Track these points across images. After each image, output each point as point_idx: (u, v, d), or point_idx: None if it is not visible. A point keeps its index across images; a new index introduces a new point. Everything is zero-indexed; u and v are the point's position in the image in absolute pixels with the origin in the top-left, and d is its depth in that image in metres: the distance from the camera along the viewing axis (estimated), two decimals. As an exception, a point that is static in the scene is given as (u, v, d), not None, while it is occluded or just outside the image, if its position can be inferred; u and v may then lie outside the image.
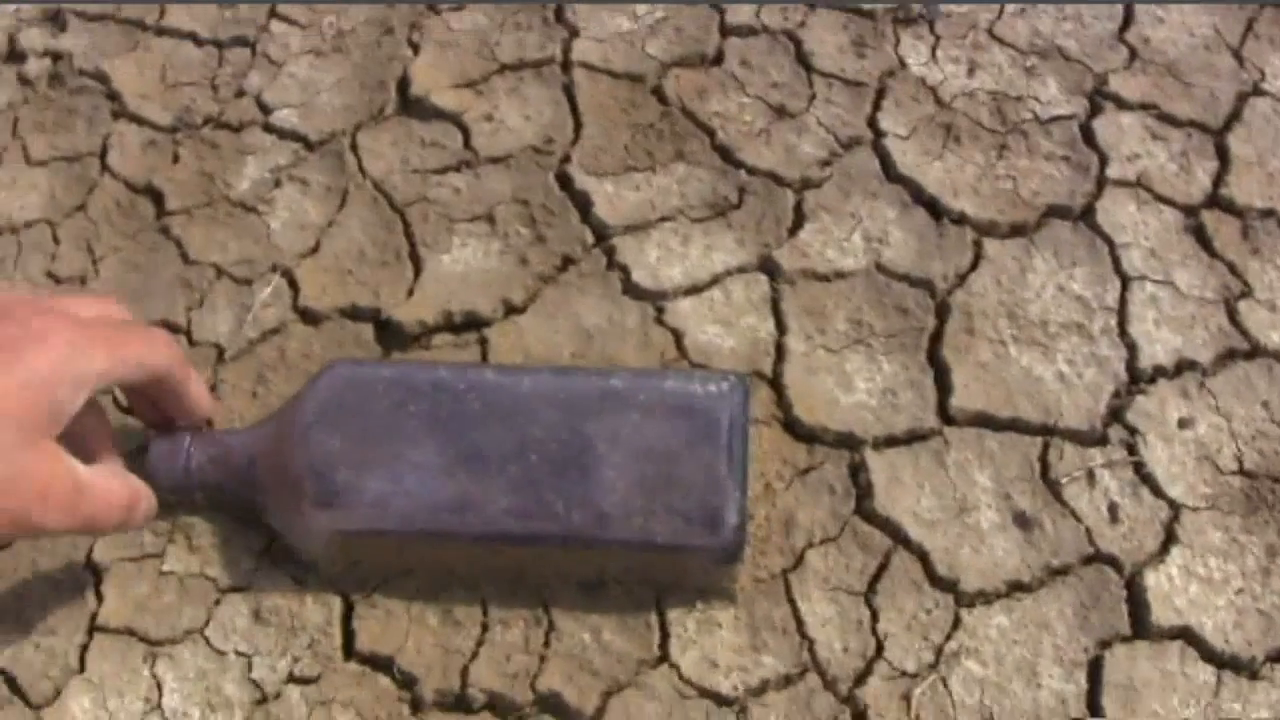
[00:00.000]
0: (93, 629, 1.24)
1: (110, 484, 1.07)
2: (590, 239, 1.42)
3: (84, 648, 1.23)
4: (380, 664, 1.22)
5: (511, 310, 1.36)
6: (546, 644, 1.20)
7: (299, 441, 1.06)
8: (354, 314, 1.38)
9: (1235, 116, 1.54)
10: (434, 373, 1.16)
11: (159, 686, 1.20)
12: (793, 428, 1.31)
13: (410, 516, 1.13)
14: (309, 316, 1.36)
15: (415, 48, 1.60)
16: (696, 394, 1.17)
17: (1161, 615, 1.23)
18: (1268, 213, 1.45)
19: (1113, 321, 1.38)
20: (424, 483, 1.11)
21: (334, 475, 1.05)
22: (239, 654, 1.22)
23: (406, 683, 1.21)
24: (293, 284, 1.39)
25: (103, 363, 1.00)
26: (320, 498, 1.06)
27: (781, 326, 1.36)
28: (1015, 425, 1.33)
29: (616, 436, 1.13)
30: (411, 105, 1.54)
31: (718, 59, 1.59)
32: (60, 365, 0.97)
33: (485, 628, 1.21)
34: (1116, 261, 1.41)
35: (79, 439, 1.05)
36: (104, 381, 1.02)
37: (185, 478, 1.13)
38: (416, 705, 1.18)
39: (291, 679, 1.21)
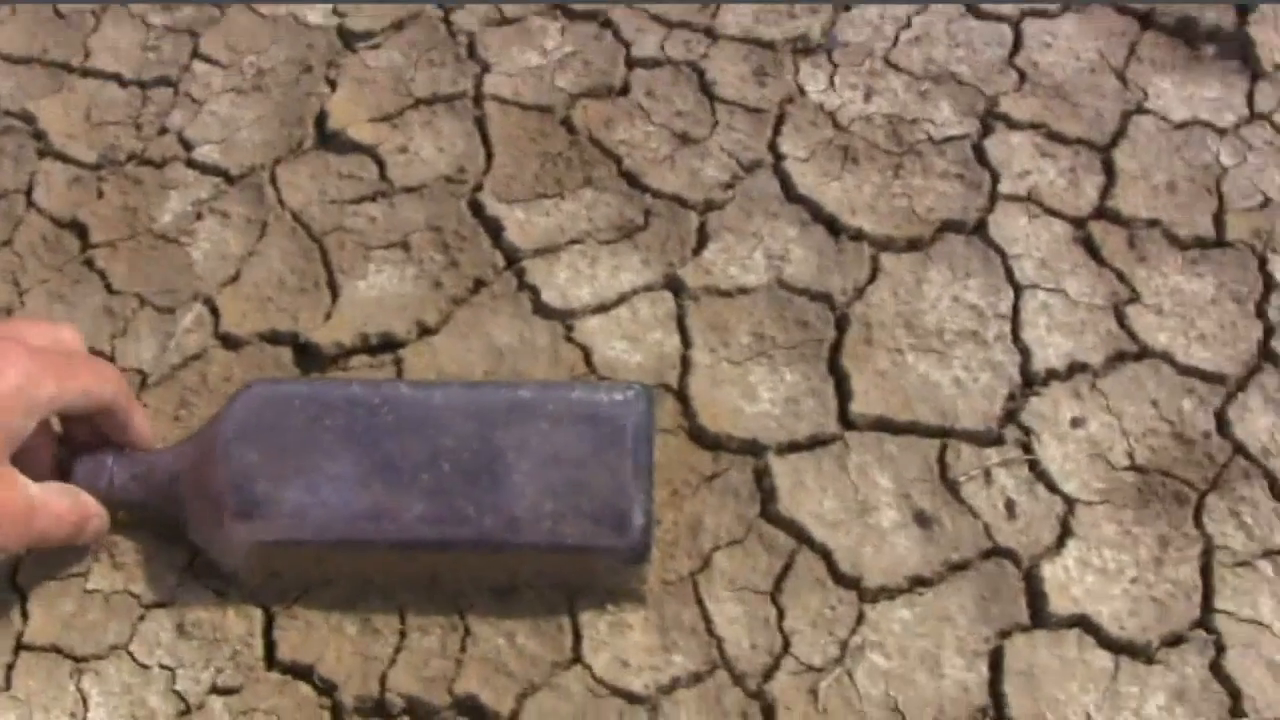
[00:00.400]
0: (19, 647, 1.23)
1: (61, 501, 1.12)
2: (501, 262, 1.43)
3: (10, 666, 1.22)
4: (301, 673, 1.21)
5: (425, 331, 1.37)
6: (463, 649, 1.20)
7: (219, 457, 1.07)
8: (273, 338, 1.37)
9: (1120, 134, 1.55)
10: (348, 389, 1.16)
11: (84, 701, 1.19)
12: (699, 437, 1.31)
13: (327, 526, 1.12)
14: (230, 342, 1.36)
15: (333, 84, 1.61)
16: (602, 403, 1.18)
17: (1059, 605, 1.24)
18: (1153, 223, 1.46)
19: (1006, 328, 1.38)
20: (340, 493, 1.11)
21: (253, 488, 1.05)
22: (163, 667, 1.21)
23: (327, 690, 1.20)
24: (214, 311, 1.39)
25: (52, 390, 1.04)
26: (240, 510, 1.07)
27: (687, 341, 1.36)
28: (914, 429, 1.33)
29: (525, 445, 1.13)
30: (329, 139, 1.55)
31: (624, 90, 1.61)
32: (13, 394, 1.00)
33: (403, 634, 1.21)
34: (1009, 272, 1.42)
35: (27, 456, 1.07)
36: (53, 408, 1.06)
37: (109, 495, 1.18)
38: (337, 712, 1.18)
39: (214, 690, 1.20)
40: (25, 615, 1.25)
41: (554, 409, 1.15)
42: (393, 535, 1.07)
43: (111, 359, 1.36)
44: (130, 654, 1.23)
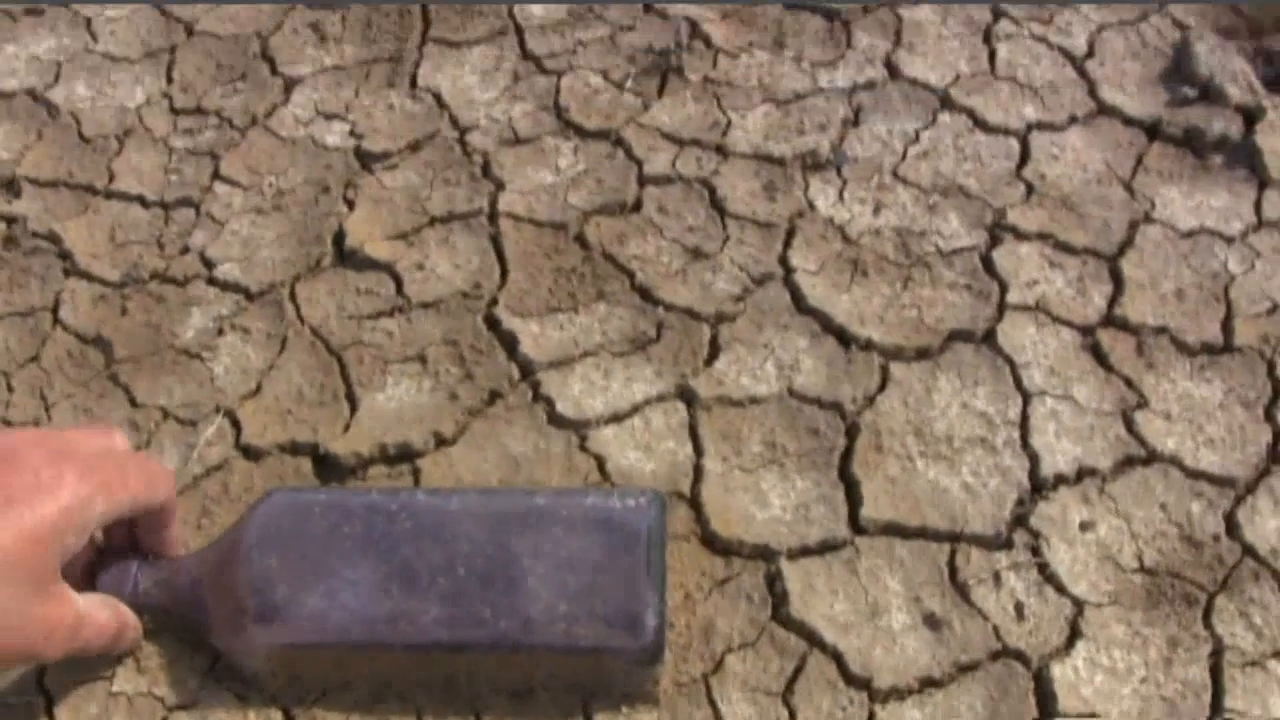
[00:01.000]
0: (43, 752, 1.20)
1: (103, 614, 1.14)
2: (517, 375, 1.46)
3: (36, 770, 1.19)
4: (319, 776, 1.19)
5: (442, 442, 1.39)
6: (477, 748, 1.20)
7: (241, 561, 1.09)
8: (293, 449, 1.39)
9: (1128, 243, 1.59)
10: (367, 497, 1.19)
11: (109, 805, 1.18)
12: (711, 542, 1.34)
13: (346, 629, 1.13)
14: (250, 453, 1.39)
15: (350, 204, 1.65)
16: (615, 509, 1.20)
17: (1069, 704, 1.25)
18: (1160, 330, 1.49)
19: (1015, 434, 1.41)
20: (358, 598, 1.13)
21: (274, 593, 1.08)
22: (186, 770, 1.19)
23: (342, 803, 1.18)
24: (235, 423, 1.42)
25: (102, 507, 1.06)
26: (261, 614, 1.09)
27: (699, 449, 1.39)
28: (924, 533, 1.35)
29: (540, 550, 1.16)
30: (347, 257, 1.58)
31: (636, 206, 1.64)
32: (68, 515, 1.03)
33: (420, 739, 1.20)
34: (1018, 380, 1.45)
35: (70, 564, 1.09)
36: (103, 522, 1.08)
37: (133, 600, 1.19)
38: (355, 823, 1.17)
39: (235, 796, 1.18)
40: (51, 718, 1.26)
41: (568, 515, 1.10)
42: (410, 638, 1.08)
43: None
44: (154, 757, 1.20)
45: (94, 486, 1.03)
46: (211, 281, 1.56)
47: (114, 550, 1.21)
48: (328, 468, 1.38)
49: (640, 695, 1.24)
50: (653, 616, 1.14)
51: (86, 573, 1.16)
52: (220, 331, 1.49)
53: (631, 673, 1.20)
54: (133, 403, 1.44)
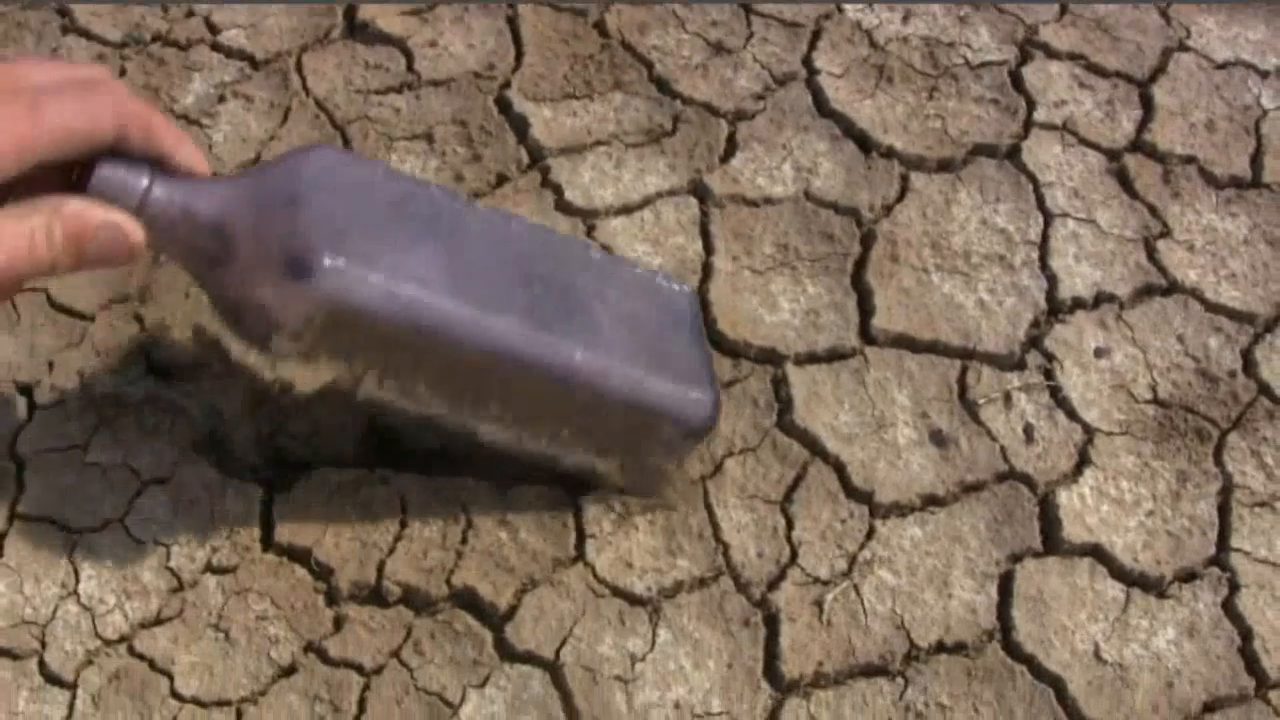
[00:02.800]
0: (13, 516, 1.20)
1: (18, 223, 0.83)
2: (526, 159, 1.38)
3: (3, 535, 1.19)
4: (298, 555, 1.19)
5: (445, 222, 1.30)
6: (464, 540, 1.16)
7: (298, 203, 0.85)
8: (290, 222, 1.28)
9: (1160, 69, 1.51)
10: (429, 188, 0.98)
11: (76, 573, 1.15)
12: (718, 343, 1.28)
13: (418, 307, 0.89)
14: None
15: (364, -24, 1.54)
16: (664, 288, 1.16)
17: (1073, 532, 1.21)
18: (1189, 159, 1.42)
19: (1034, 255, 1.34)
20: (431, 276, 0.90)
21: (342, 242, 0.85)
22: (158, 543, 1.17)
23: (323, 574, 1.16)
24: (230, 193, 1.31)
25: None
26: (322, 264, 0.84)
27: (709, 247, 1.32)
28: (935, 348, 1.30)
29: (605, 299, 1.06)
30: (358, 30, 1.50)
31: (659, -4, 1.54)
32: None
33: (403, 524, 1.17)
34: (1040, 199, 1.38)
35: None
36: (20, 169, 0.79)
37: (138, 211, 0.84)
38: (332, 597, 1.14)
39: (209, 569, 1.18)
40: (22, 485, 1.22)
41: (624, 276, 1.06)
42: (483, 340, 0.91)
43: None
44: (126, 528, 1.20)
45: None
46: (215, 47, 1.48)
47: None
48: (325, 242, 1.27)
49: (659, 480, 1.22)
50: (714, 391, 1.11)
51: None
52: (221, 98, 1.41)
53: (675, 445, 1.11)
54: (128, 165, 1.34)
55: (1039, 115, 1.47)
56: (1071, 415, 1.27)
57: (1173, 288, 1.35)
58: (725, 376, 1.25)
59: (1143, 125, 1.45)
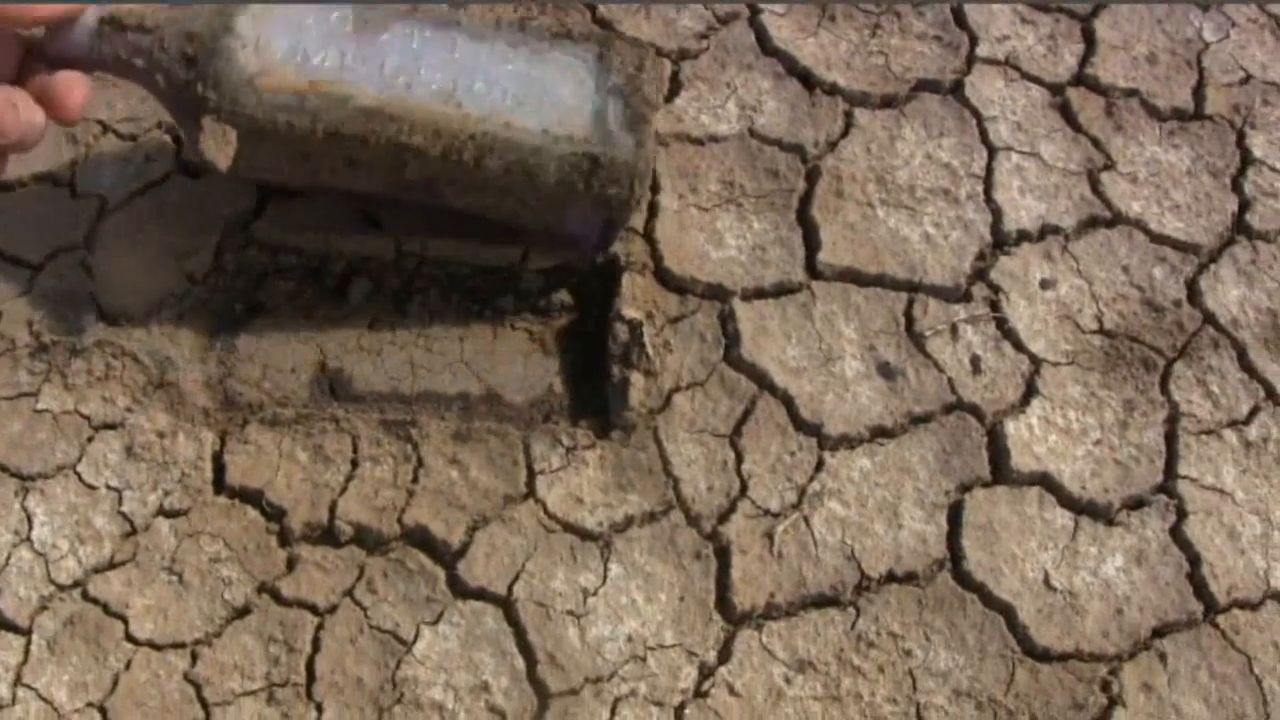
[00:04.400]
0: (-36, 464, 1.12)
1: None
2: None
3: (-46, 482, 1.12)
4: (249, 497, 1.17)
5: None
6: (414, 479, 1.15)
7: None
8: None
9: (1102, 4, 1.50)
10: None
11: (29, 520, 1.13)
12: (665, 279, 1.24)
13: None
14: (191, 170, 1.30)
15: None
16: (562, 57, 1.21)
17: (1021, 462, 1.20)
18: (1131, 92, 1.40)
19: (979, 188, 1.33)
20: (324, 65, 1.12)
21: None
22: (110, 488, 1.15)
23: (275, 515, 1.14)
24: (176, 140, 1.34)
25: None
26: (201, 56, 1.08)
27: (655, 185, 1.30)
28: (881, 281, 1.28)
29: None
30: None
31: (601, -60, 1.51)
32: None
33: (354, 464, 1.15)
34: (984, 133, 1.36)
35: None
36: None
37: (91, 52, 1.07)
38: (284, 537, 1.12)
39: (162, 512, 1.16)
40: None
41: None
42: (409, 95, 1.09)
43: (72, 185, 1.35)
44: (78, 474, 1.18)
45: None
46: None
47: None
48: (270, 187, 1.26)
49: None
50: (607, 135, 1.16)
51: None
52: (166, 45, 1.36)
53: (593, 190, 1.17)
54: (72, 113, 1.31)
55: (981, 51, 1.44)
56: (1018, 346, 1.26)
57: (1117, 219, 1.34)
58: (673, 313, 1.23)
59: (1085, 59, 1.43)
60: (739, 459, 1.17)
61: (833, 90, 1.36)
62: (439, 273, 1.24)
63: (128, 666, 1.07)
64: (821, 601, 1.12)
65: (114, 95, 1.34)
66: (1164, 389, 1.25)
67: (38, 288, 1.20)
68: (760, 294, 1.26)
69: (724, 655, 1.10)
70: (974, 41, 1.42)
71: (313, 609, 1.10)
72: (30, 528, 1.14)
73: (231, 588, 1.09)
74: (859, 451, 1.16)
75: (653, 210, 1.29)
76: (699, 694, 1.07)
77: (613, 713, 1.06)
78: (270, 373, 1.19)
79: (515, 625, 1.10)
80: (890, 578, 1.13)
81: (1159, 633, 1.13)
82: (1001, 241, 1.27)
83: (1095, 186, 1.31)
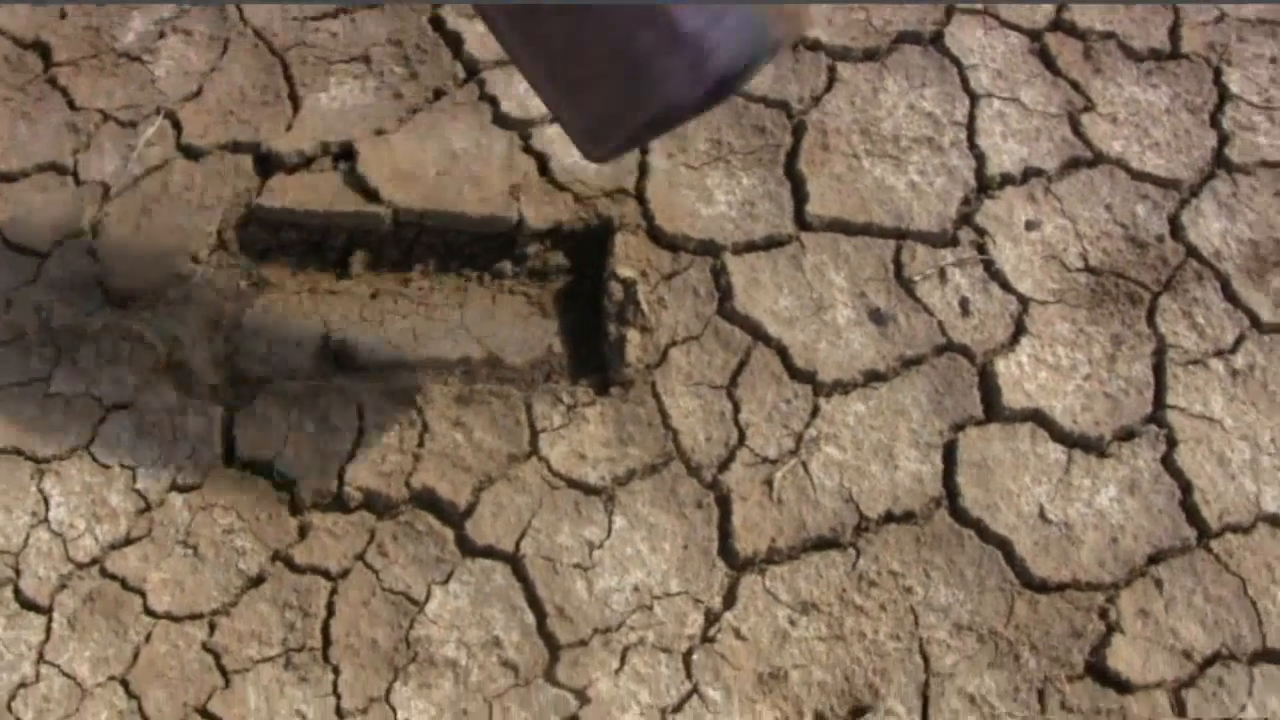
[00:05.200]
0: (-20, 451, 1.14)
1: None
2: (462, 74, 1.37)
3: (-30, 468, 1.13)
4: (260, 468, 1.18)
5: (382, 134, 1.29)
6: (420, 444, 1.15)
7: None
8: (235, 148, 1.32)
9: (1079, -50, 1.47)
10: None
11: (45, 501, 1.13)
12: (657, 237, 1.25)
13: None
14: (191, 153, 1.32)
15: (294, -92, 1.52)
16: None
17: (1012, 399, 1.21)
18: (1108, 35, 1.40)
19: (962, 135, 1.33)
20: None
21: None
22: (124, 467, 1.16)
23: (285, 485, 1.15)
24: (176, 125, 1.34)
25: None
26: None
27: (643, 147, 1.27)
28: (869, 230, 1.29)
29: None
30: (291, -41, 1.45)
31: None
32: None
33: (361, 431, 1.16)
34: (965, 81, 1.36)
35: None
36: None
37: None
38: (295, 506, 1.13)
39: (174, 487, 1.17)
40: None
41: None
42: None
43: (75, 174, 1.34)
44: (91, 455, 1.19)
45: None
46: (154, -16, 1.43)
47: None
48: (270, 165, 1.28)
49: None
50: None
51: None
52: (161, 34, 1.39)
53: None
54: (72, 105, 1.36)
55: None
56: (1006, 287, 1.27)
57: (1098, 159, 1.34)
58: (666, 269, 1.24)
59: (1062, 5, 1.42)
60: (736, 409, 1.18)
61: (815, 46, 1.36)
62: (436, 241, 1.25)
63: (148, 639, 1.08)
64: (822, 544, 1.12)
65: (113, 84, 1.34)
66: (1150, 322, 1.25)
67: (45, 276, 1.22)
68: (751, 247, 1.27)
69: (729, 601, 1.11)
70: (952, -12, 1.40)
71: (326, 574, 1.11)
72: (47, 509, 1.15)
73: (245, 558, 1.10)
74: (853, 396, 1.16)
75: (643, 170, 1.29)
76: (706, 639, 1.07)
77: (622, 661, 1.06)
78: (276, 347, 1.19)
79: (524, 581, 1.10)
80: (888, 518, 1.14)
81: (1154, 559, 1.14)
82: (986, 186, 1.27)
83: (1076, 128, 1.31)
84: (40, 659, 1.07)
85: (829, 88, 1.35)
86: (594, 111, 0.87)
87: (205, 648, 1.08)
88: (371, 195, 1.24)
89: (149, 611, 1.10)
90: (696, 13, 0.79)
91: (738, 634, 1.07)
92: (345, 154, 1.30)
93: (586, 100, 0.87)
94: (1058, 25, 1.40)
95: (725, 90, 0.83)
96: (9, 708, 1.06)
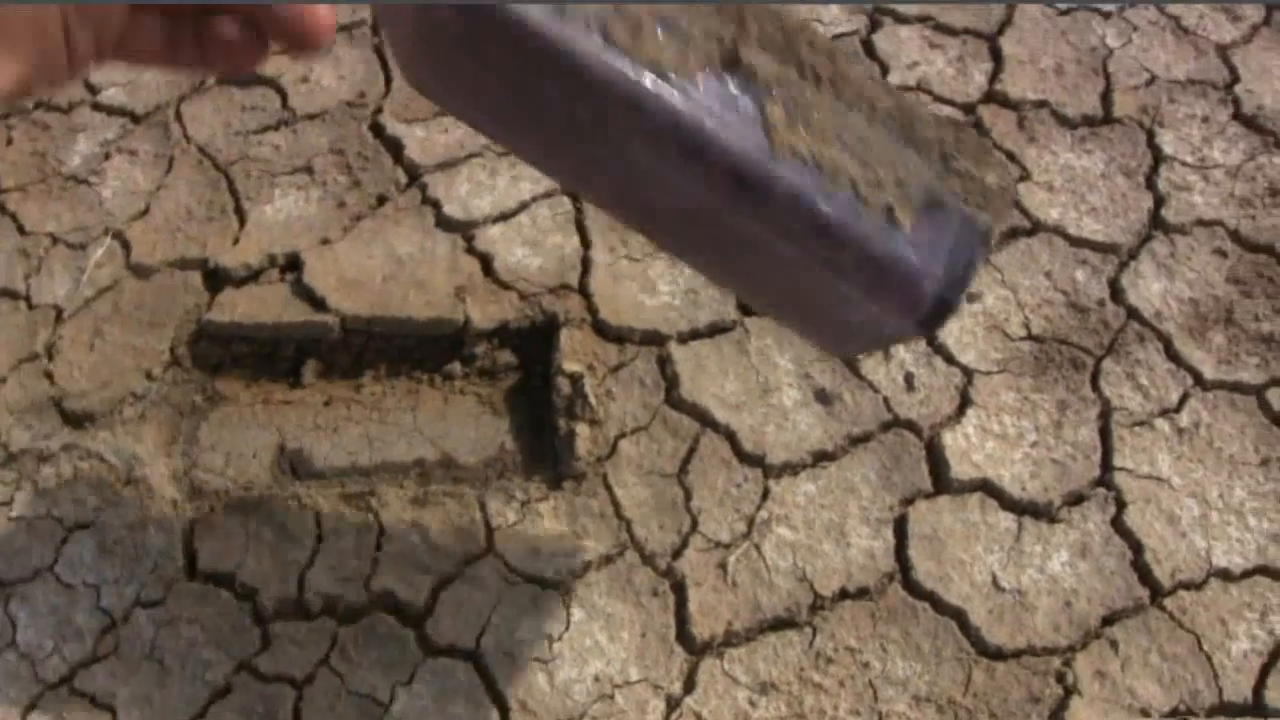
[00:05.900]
0: (-55, 577, 1.17)
1: None
2: (404, 179, 1.41)
3: (-63, 595, 1.16)
4: (221, 580, 1.21)
5: (327, 243, 1.33)
6: (378, 548, 1.19)
7: None
8: (183, 264, 1.36)
9: (1007, 21, 1.54)
10: None
11: (13, 625, 1.17)
12: (602, 330, 1.28)
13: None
14: (141, 271, 1.35)
15: (233, 23, 1.56)
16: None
17: (961, 471, 1.24)
18: (1041, 104, 1.44)
19: (899, 213, 1.34)
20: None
21: None
22: (87, 585, 1.19)
23: (248, 595, 1.18)
24: (125, 244, 1.37)
25: None
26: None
27: (586, 242, 1.34)
28: (812, 311, 1.27)
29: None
30: (231, 75, 1.49)
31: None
32: None
33: (319, 538, 1.19)
34: (901, 158, 1.37)
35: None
36: None
37: None
38: (259, 615, 1.16)
39: (138, 603, 1.20)
40: None
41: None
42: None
43: (27, 299, 1.35)
44: (56, 575, 1.23)
45: None
46: (96, 107, 1.50)
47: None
48: (218, 280, 1.32)
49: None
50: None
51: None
52: (107, 156, 1.44)
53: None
54: (21, 230, 1.40)
55: (893, 79, 1.49)
56: (950, 360, 1.30)
57: (1037, 227, 1.38)
58: (613, 362, 1.27)
59: (994, 76, 1.47)
60: (687, 496, 1.21)
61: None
62: (386, 346, 1.28)
63: (117, 756, 1.09)
64: (778, 624, 1.16)
65: (61, 207, 1.38)
66: (1095, 386, 1.29)
67: (2, 400, 1.25)
68: (695, 335, 1.31)
69: (689, 686, 1.14)
70: (885, 70, 1.46)
71: (291, 682, 1.15)
72: (15, 631, 1.18)
73: (211, 669, 1.13)
74: (803, 476, 1.19)
75: (586, 266, 1.32)
76: (668, 725, 1.09)
77: (586, 751, 1.08)
78: (233, 459, 1.23)
79: (485, 677, 1.14)
80: (843, 595, 1.18)
81: (1108, 621, 1.17)
82: (925, 260, 1.29)
83: (1013, 198, 1.33)
84: (13, 782, 1.09)
85: (768, 175, 1.37)
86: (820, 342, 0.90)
87: (174, 762, 1.09)
88: (319, 304, 1.28)
89: (118, 728, 1.11)
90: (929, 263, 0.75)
91: (699, 718, 1.11)
92: (292, 265, 1.34)
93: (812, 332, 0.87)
94: (990, 97, 1.45)
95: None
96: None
